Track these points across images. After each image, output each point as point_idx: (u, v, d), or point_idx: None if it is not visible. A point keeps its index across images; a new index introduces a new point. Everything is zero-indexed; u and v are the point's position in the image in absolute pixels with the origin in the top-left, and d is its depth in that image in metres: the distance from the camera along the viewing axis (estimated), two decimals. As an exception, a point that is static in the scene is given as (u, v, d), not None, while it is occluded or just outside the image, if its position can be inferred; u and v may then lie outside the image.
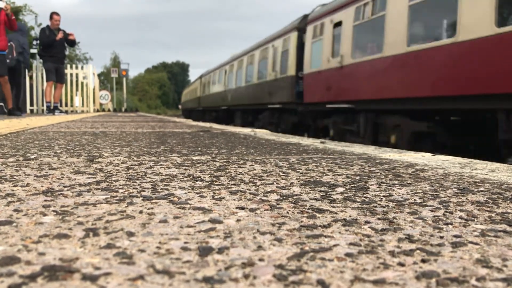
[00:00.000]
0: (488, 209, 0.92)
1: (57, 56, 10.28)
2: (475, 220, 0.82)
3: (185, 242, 0.65)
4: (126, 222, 0.76)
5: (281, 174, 1.38)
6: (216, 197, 1.00)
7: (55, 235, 0.67)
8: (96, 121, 6.53)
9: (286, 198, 1.00)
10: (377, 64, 7.18)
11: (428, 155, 2.11)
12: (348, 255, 0.61)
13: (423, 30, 6.36)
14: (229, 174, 1.36)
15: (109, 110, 22.50)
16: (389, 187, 1.17)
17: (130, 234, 0.68)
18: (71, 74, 15.97)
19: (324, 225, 0.76)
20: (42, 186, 1.10)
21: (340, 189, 1.12)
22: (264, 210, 0.87)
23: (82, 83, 16.55)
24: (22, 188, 1.06)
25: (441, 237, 0.70)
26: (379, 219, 0.82)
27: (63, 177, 1.25)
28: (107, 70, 59.75)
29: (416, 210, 0.89)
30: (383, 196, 1.05)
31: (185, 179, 1.25)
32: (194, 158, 1.81)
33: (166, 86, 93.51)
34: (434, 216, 0.84)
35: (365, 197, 1.03)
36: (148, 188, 1.09)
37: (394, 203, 0.96)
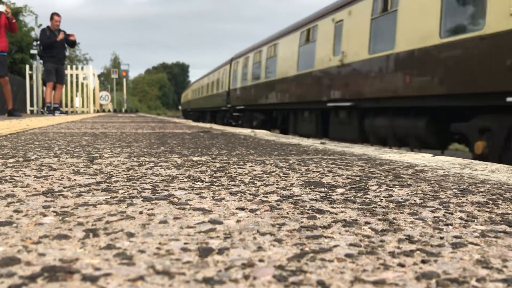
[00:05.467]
0: (488, 210, 0.92)
1: (57, 56, 10.29)
2: (475, 221, 0.82)
3: (185, 243, 0.65)
4: (126, 223, 0.76)
5: (281, 174, 1.38)
6: (216, 197, 1.00)
7: (55, 236, 0.67)
8: (96, 121, 6.54)
9: (286, 198, 1.00)
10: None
11: (428, 155, 2.11)
12: (348, 255, 0.61)
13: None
14: (229, 174, 1.36)
15: (109, 111, 22.51)
16: (389, 188, 1.17)
17: (130, 235, 0.68)
18: (71, 75, 15.99)
19: (324, 226, 0.76)
20: (42, 186, 1.10)
21: (340, 190, 1.12)
22: (264, 211, 0.87)
23: (82, 83, 16.56)
24: (22, 189, 1.06)
25: (441, 238, 0.70)
26: (379, 219, 0.82)
27: (63, 178, 1.25)
28: (107, 71, 59.76)
29: (416, 211, 0.89)
30: (383, 196, 1.05)
31: (185, 180, 1.25)
32: (194, 158, 1.81)
33: (166, 87, 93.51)
34: (434, 217, 0.84)
35: (365, 197, 1.03)
36: (148, 189, 1.09)
37: (394, 204, 0.96)
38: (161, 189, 1.09)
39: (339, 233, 0.72)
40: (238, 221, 0.79)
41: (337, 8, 9.07)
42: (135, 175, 1.33)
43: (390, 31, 7.16)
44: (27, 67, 14.58)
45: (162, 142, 2.74)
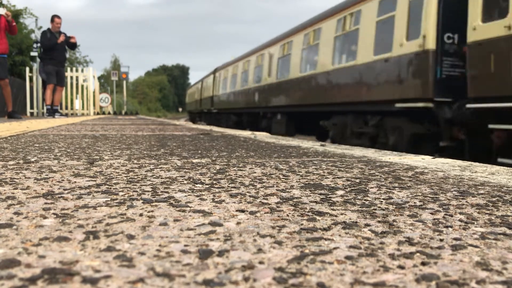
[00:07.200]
0: (488, 212, 0.92)
1: (57, 59, 10.29)
2: (475, 223, 0.83)
3: (185, 245, 0.65)
4: (126, 225, 0.76)
5: (281, 177, 1.38)
6: (216, 200, 1.00)
7: (55, 238, 0.67)
8: (96, 124, 6.54)
9: (286, 201, 1.00)
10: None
11: (428, 158, 2.11)
12: (348, 258, 0.61)
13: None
14: (229, 177, 1.37)
15: (109, 113, 22.50)
16: (389, 190, 1.17)
17: (130, 237, 0.69)
18: (71, 77, 15.98)
19: (324, 228, 0.76)
20: (42, 189, 1.10)
21: (340, 192, 1.12)
22: (264, 213, 0.87)
23: (82, 86, 16.55)
24: (22, 191, 1.06)
25: (441, 240, 0.70)
26: (379, 222, 0.82)
27: (63, 180, 1.25)
28: (107, 73, 59.79)
29: (416, 213, 0.89)
30: (383, 199, 1.05)
31: (185, 182, 1.25)
32: (194, 161, 1.81)
33: (166, 89, 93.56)
34: (434, 219, 0.84)
35: (365, 200, 1.03)
36: (148, 191, 1.09)
37: (394, 206, 0.96)
38: (161, 191, 1.09)
39: (339, 235, 0.72)
40: (238, 223, 0.79)
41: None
42: (135, 177, 1.33)
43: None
44: (27, 69, 14.58)
45: (162, 144, 2.75)
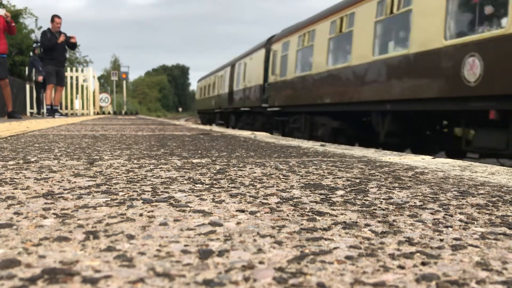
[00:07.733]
0: (488, 212, 0.92)
1: (58, 59, 10.28)
2: (475, 223, 0.83)
3: (185, 245, 0.65)
4: (126, 225, 0.76)
5: (281, 177, 1.38)
6: (216, 200, 1.00)
7: (55, 238, 0.67)
8: (96, 124, 6.54)
9: (286, 201, 1.00)
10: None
11: (428, 158, 2.11)
12: (348, 257, 0.61)
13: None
14: (229, 177, 1.37)
15: (109, 113, 22.50)
16: (389, 190, 1.17)
17: (130, 237, 0.69)
18: (71, 77, 15.99)
19: (324, 228, 0.76)
20: (42, 189, 1.10)
21: (340, 192, 1.12)
22: (264, 213, 0.87)
23: (82, 86, 16.56)
24: (22, 191, 1.06)
25: (441, 240, 0.70)
26: (379, 222, 0.82)
27: (63, 180, 1.25)
28: (107, 73, 59.74)
29: (416, 213, 0.89)
30: (383, 199, 1.05)
31: (185, 182, 1.25)
32: (194, 161, 1.81)
33: (166, 89, 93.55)
34: (434, 219, 0.84)
35: (365, 200, 1.03)
36: (148, 191, 1.09)
37: (394, 206, 0.96)
38: (161, 191, 1.09)
39: (339, 235, 0.72)
40: (238, 223, 0.79)
41: None
42: (135, 177, 1.33)
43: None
44: (27, 69, 14.58)
45: (162, 144, 2.75)
